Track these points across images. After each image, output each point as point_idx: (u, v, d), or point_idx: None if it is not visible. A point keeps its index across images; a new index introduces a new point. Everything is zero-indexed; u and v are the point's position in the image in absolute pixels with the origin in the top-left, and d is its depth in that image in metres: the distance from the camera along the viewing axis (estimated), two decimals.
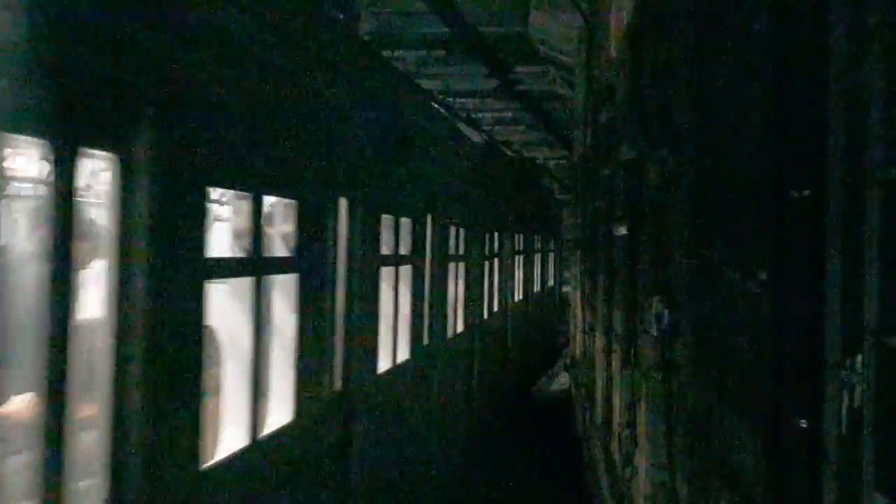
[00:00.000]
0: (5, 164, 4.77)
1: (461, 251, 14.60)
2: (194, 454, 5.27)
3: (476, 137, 19.12)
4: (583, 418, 16.70)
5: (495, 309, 18.86)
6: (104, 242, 4.60)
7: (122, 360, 4.47)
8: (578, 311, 20.16)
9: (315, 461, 7.50)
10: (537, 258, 26.69)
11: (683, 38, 6.20)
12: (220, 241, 7.00)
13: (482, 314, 17.07)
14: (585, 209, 18.44)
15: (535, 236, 26.15)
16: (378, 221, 9.26)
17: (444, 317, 13.25)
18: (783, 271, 3.80)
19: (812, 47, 3.43)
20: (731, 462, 4.55)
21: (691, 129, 5.96)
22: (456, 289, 14.38)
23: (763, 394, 3.99)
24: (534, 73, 23.63)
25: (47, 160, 4.12)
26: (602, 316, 13.12)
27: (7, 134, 3.90)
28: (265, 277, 6.34)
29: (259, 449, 6.22)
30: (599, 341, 13.61)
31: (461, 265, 14.75)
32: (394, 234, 10.10)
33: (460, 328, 14.78)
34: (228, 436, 6.20)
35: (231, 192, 6.57)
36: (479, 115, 28.00)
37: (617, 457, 10.11)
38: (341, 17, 10.43)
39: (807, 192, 3.51)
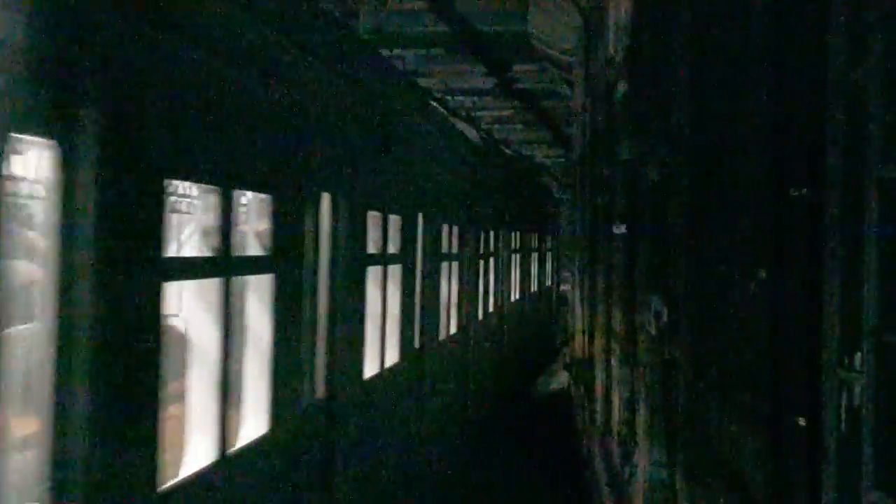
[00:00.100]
0: None
1: (455, 250, 14.23)
2: (151, 473, 4.76)
3: (473, 135, 19.04)
4: (582, 417, 16.71)
5: (491, 309, 18.53)
6: (43, 239, 4.15)
7: (63, 371, 4.02)
8: (578, 310, 20.15)
9: (294, 476, 6.95)
10: (534, 257, 26.43)
11: (682, 37, 6.20)
12: (191, 238, 6.59)
13: (477, 314, 16.71)
14: (584, 208, 18.44)
15: (533, 235, 25.90)
16: (364, 218, 8.81)
17: (437, 318, 12.88)
18: (782, 270, 3.81)
19: (811, 45, 3.44)
20: (731, 460, 4.55)
21: (690, 128, 5.96)
22: (449, 289, 14.02)
23: (762, 392, 4.00)
24: (532, 72, 23.63)
25: None
26: (601, 314, 13.12)
27: None
28: (236, 278, 5.92)
29: (229, 465, 5.71)
30: (599, 340, 13.61)
31: (454, 264, 14.36)
32: (382, 231, 9.65)
33: (454, 329, 14.39)
34: (194, 451, 5.64)
35: (198, 186, 6.06)
36: (478, 113, 27.99)
37: (616, 455, 10.12)
38: (339, 15, 10.38)
39: (805, 191, 3.51)
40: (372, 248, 9.33)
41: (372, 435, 9.28)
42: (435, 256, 12.58)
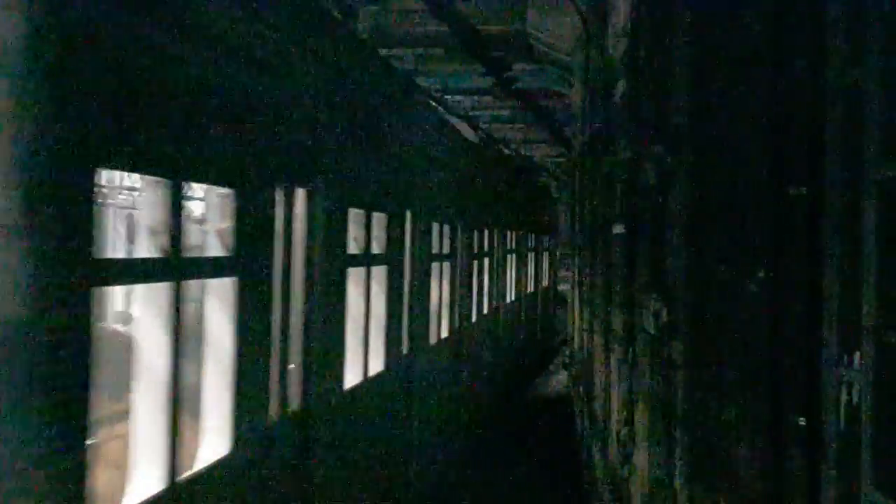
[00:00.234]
0: None
1: (446, 250, 13.70)
2: None
3: (469, 133, 18.95)
4: (581, 417, 16.70)
5: (485, 311, 18.03)
6: None
7: None
8: (577, 310, 20.15)
9: (262, 502, 6.26)
10: (531, 257, 26.05)
11: (681, 37, 6.20)
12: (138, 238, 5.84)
13: (470, 317, 16.15)
14: (583, 207, 18.44)
15: (530, 234, 25.52)
16: (345, 216, 8.19)
17: (427, 321, 12.30)
18: (781, 269, 3.80)
19: (810, 45, 3.43)
20: (730, 460, 4.55)
21: (689, 128, 5.96)
22: (440, 290, 13.47)
23: (762, 392, 3.99)
24: (531, 72, 23.61)
25: None
26: (600, 314, 13.12)
27: None
28: (190, 282, 5.33)
29: (180, 493, 5.05)
30: (598, 339, 13.61)
31: (446, 265, 13.83)
32: (365, 230, 9.04)
33: (445, 333, 13.82)
34: (140, 479, 4.94)
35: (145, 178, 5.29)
36: (477, 113, 27.98)
37: (615, 455, 10.11)
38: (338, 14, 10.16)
39: (804, 190, 3.51)
40: (354, 249, 8.81)
41: (354, 450, 8.64)
42: (425, 257, 12.05)
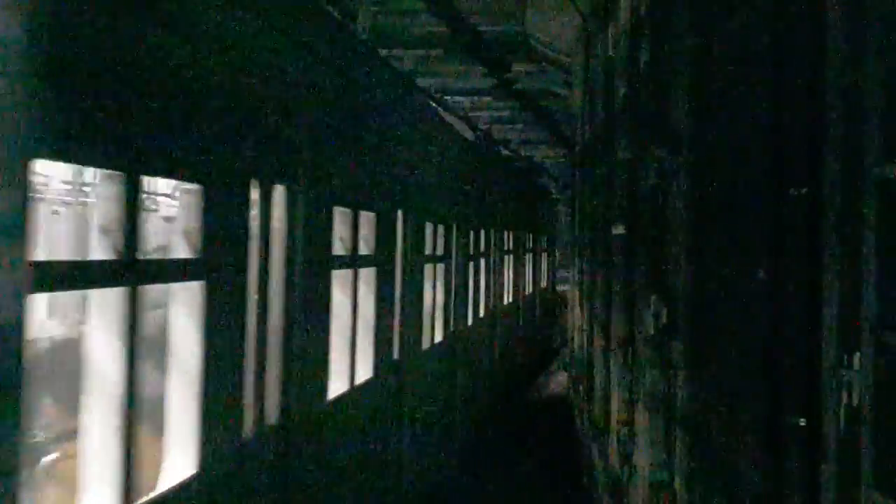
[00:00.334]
0: None
1: (441, 251, 13.19)
2: None
3: (467, 132, 18.82)
4: (581, 418, 16.70)
5: (482, 313, 17.42)
6: None
7: None
8: (577, 310, 20.16)
9: None
10: (529, 258, 25.59)
11: (681, 38, 6.20)
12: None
13: (466, 320, 15.61)
14: (584, 208, 18.45)
15: (528, 234, 25.09)
16: (329, 215, 7.71)
17: (420, 325, 11.77)
18: (781, 269, 3.80)
19: (809, 45, 3.43)
20: (730, 461, 4.55)
21: (689, 129, 5.96)
22: (434, 293, 12.94)
23: (762, 392, 3.99)
24: (531, 72, 23.62)
25: None
26: (600, 315, 13.12)
27: None
28: (151, 287, 4.88)
29: None
30: (598, 340, 13.61)
31: (440, 266, 13.33)
32: (352, 230, 8.51)
33: (439, 337, 13.28)
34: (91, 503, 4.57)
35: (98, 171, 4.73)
36: (477, 113, 27.99)
37: (615, 456, 10.11)
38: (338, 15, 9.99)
39: (805, 191, 3.51)
40: (340, 249, 8.31)
41: (340, 464, 8.16)
42: (418, 258, 11.53)
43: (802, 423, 3.46)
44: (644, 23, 8.35)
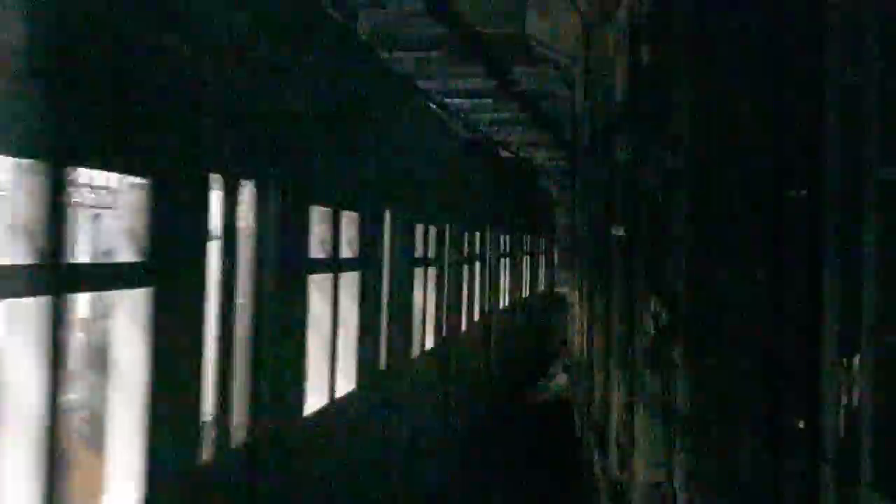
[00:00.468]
0: None
1: (432, 254, 12.59)
2: None
3: (462, 130, 18.70)
4: (580, 420, 16.69)
5: (476, 319, 16.84)
6: None
7: None
8: (577, 312, 20.15)
9: None
10: (526, 261, 25.17)
11: (681, 39, 6.20)
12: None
13: (459, 326, 15.04)
14: (583, 210, 18.44)
15: (525, 237, 24.67)
16: (306, 214, 7.12)
17: (409, 332, 11.17)
18: (781, 271, 3.80)
19: (810, 45, 3.43)
20: (730, 461, 4.54)
21: (689, 130, 5.96)
22: (424, 298, 12.27)
23: (761, 393, 3.99)
24: (532, 74, 23.63)
25: None
26: (600, 316, 13.12)
27: None
28: (83, 296, 4.37)
29: None
30: (597, 341, 13.61)
31: (432, 270, 12.70)
32: (332, 231, 7.90)
33: (430, 344, 12.69)
34: None
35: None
36: (477, 115, 28.00)
37: (615, 456, 10.11)
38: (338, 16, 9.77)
39: (804, 192, 3.51)
40: (320, 252, 7.76)
41: (318, 488, 7.51)
42: (407, 261, 10.91)
43: (802, 425, 3.46)
44: (644, 23, 8.35)
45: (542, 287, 29.37)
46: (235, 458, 5.80)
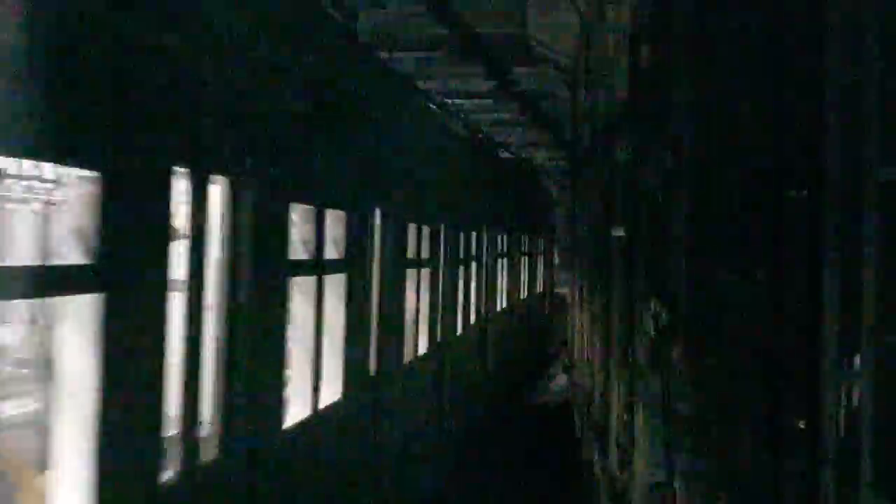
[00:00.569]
0: None
1: (426, 254, 12.16)
2: None
3: (460, 128, 18.58)
4: (580, 420, 16.69)
5: (472, 321, 16.41)
6: None
7: None
8: (577, 313, 20.16)
9: None
10: (525, 261, 24.79)
11: (681, 40, 6.20)
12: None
13: (455, 329, 14.59)
14: (583, 210, 18.44)
15: (523, 237, 24.31)
16: (285, 213, 6.68)
17: (401, 336, 10.71)
18: (781, 271, 3.80)
19: (810, 45, 3.43)
20: (729, 463, 4.54)
21: (689, 130, 5.95)
22: (417, 301, 11.86)
23: (761, 394, 3.99)
24: (532, 75, 23.64)
25: None
26: (600, 317, 13.12)
27: None
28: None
29: None
30: (597, 342, 13.61)
31: (425, 272, 12.26)
32: (316, 231, 7.45)
33: (424, 349, 12.22)
34: None
35: None
36: (478, 116, 28.02)
37: (615, 457, 10.11)
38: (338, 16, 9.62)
39: (805, 193, 3.50)
40: (303, 253, 7.33)
41: None
42: (399, 262, 10.45)
43: (802, 426, 3.45)
44: (644, 23, 8.35)
45: (540, 288, 29.19)
46: (204, 476, 5.38)
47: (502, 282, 20.84)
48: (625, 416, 9.45)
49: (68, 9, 4.00)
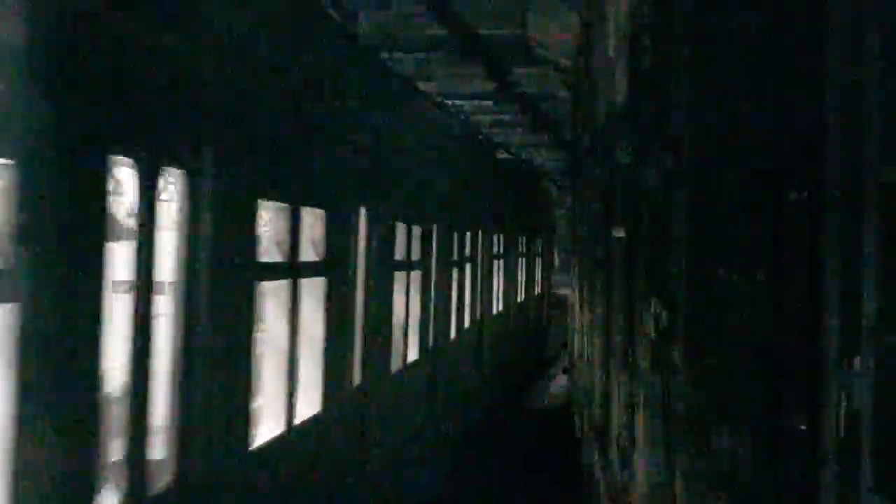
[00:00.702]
0: None
1: (416, 256, 11.68)
2: None
3: (457, 126, 18.53)
4: (580, 421, 16.69)
5: (466, 325, 15.91)
6: None
7: None
8: (577, 313, 20.15)
9: None
10: (522, 262, 24.43)
11: (681, 39, 6.19)
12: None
13: (448, 333, 14.09)
14: (583, 211, 18.44)
15: (520, 237, 23.96)
16: (252, 211, 6.11)
17: (388, 343, 10.16)
18: (781, 272, 3.79)
19: (810, 45, 3.42)
20: (730, 464, 4.53)
21: (689, 131, 5.95)
22: (406, 305, 11.38)
23: (761, 395, 3.98)
24: (532, 75, 23.65)
25: None
26: (600, 318, 13.11)
27: None
28: None
29: None
30: (598, 343, 13.60)
31: (416, 274, 11.78)
32: (290, 231, 6.93)
33: (414, 355, 11.72)
34: None
35: None
36: (478, 117, 28.03)
37: (615, 459, 10.10)
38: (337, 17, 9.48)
39: (805, 194, 3.50)
40: (277, 255, 6.89)
41: None
42: (387, 264, 9.92)
43: (802, 427, 3.45)
44: (644, 23, 8.35)
45: (539, 289, 29.00)
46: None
47: (499, 284, 20.50)
48: (625, 416, 9.44)
49: None
